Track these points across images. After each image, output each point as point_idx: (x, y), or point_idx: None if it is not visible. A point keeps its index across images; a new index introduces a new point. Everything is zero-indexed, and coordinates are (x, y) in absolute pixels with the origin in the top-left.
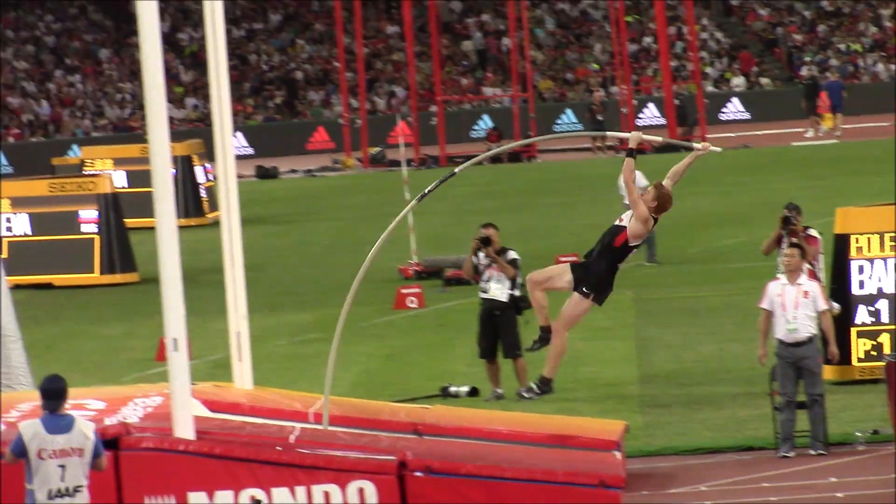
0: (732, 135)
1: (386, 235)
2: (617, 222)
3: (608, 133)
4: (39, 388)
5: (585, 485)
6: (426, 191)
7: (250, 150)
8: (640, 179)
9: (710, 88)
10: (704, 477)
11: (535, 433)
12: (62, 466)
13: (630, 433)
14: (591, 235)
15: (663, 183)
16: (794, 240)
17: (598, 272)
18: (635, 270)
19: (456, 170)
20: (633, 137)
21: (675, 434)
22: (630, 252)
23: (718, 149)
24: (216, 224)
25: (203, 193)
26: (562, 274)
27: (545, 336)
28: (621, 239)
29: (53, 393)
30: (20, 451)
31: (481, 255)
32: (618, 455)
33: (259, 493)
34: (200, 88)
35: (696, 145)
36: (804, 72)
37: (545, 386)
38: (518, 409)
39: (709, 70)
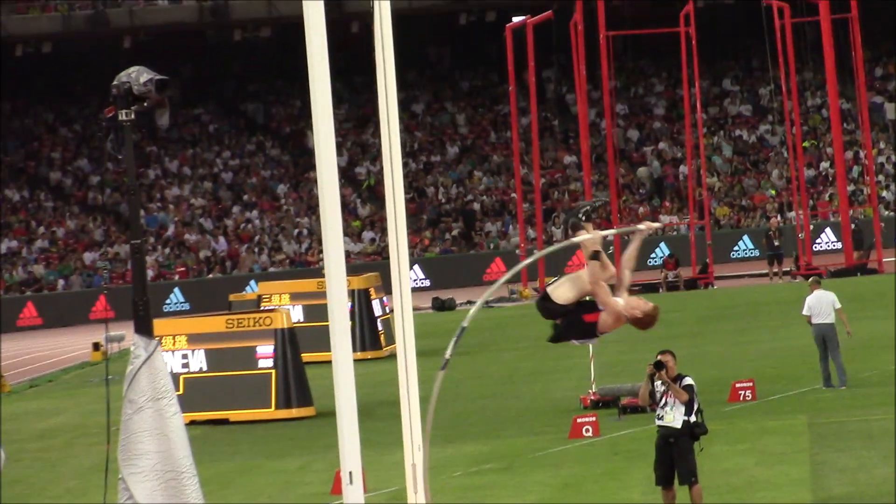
0: None
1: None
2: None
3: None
4: None
5: None
6: (447, 356)
7: (427, 282)
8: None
9: (886, 212)
10: None
11: None
12: None
13: None
14: (767, 362)
15: (624, 270)
16: None
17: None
18: (810, 395)
19: (464, 324)
20: (591, 242)
21: None
22: (593, 335)
23: (658, 224)
24: (393, 357)
25: (380, 326)
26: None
27: None
28: (592, 318)
29: None
30: None
31: (657, 381)
32: None
33: None
34: (378, 222)
35: (639, 227)
36: None
37: None
38: None
39: (885, 194)
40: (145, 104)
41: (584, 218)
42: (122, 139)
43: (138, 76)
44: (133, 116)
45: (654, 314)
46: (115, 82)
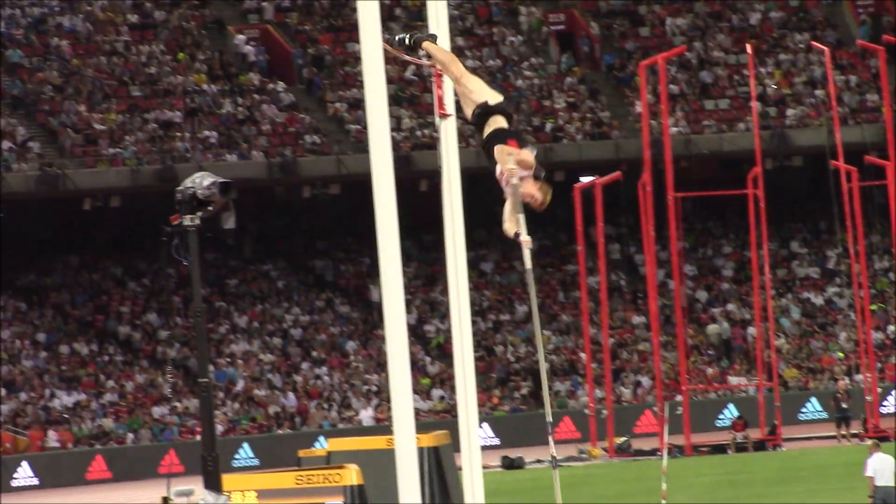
0: None
1: None
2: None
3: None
4: None
5: None
6: None
7: (496, 441)
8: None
9: None
10: None
11: None
12: None
13: None
14: None
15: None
16: None
17: None
18: None
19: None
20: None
21: None
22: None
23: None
24: None
25: (449, 485)
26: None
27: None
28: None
29: None
30: None
31: None
32: None
33: None
34: (447, 380)
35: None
36: None
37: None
38: None
39: None
40: (210, 208)
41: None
42: (187, 245)
43: (202, 180)
44: (198, 222)
45: (540, 206)
46: (179, 188)
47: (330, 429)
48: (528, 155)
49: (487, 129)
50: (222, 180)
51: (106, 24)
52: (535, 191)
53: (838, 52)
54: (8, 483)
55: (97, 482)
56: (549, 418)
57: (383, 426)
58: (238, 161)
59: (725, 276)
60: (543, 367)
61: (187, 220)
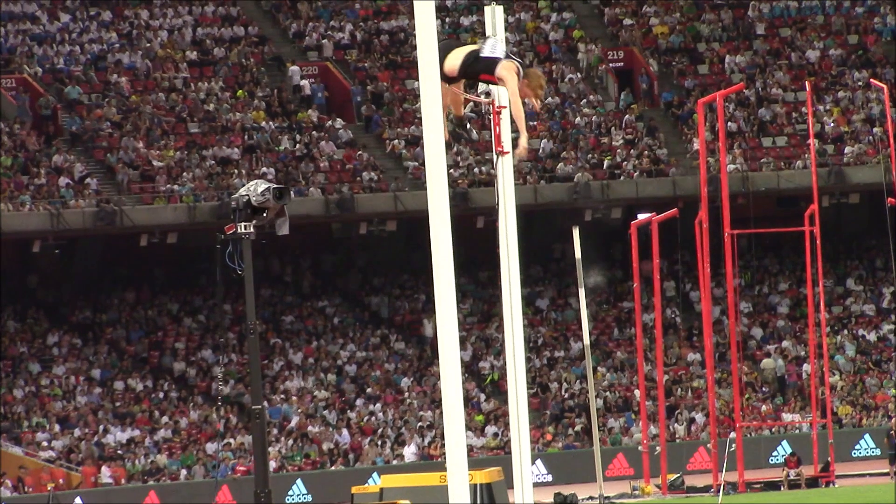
0: None
1: None
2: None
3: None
4: None
5: None
6: None
7: (549, 477)
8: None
9: None
10: None
11: None
12: None
13: None
14: None
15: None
16: None
17: None
18: None
19: None
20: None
21: None
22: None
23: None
24: None
25: None
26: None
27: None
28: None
29: None
30: None
31: None
32: None
33: None
34: (501, 416)
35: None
36: None
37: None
38: None
39: None
40: (265, 215)
41: None
42: (241, 252)
43: (256, 187)
44: (252, 230)
45: (538, 97)
46: (233, 196)
47: (383, 465)
48: (510, 79)
49: (459, 57)
50: (276, 186)
51: (165, 60)
52: (526, 90)
53: None
54: None
55: None
56: (600, 471)
57: (436, 463)
58: (295, 197)
59: (781, 313)
60: (596, 436)
61: (241, 228)
